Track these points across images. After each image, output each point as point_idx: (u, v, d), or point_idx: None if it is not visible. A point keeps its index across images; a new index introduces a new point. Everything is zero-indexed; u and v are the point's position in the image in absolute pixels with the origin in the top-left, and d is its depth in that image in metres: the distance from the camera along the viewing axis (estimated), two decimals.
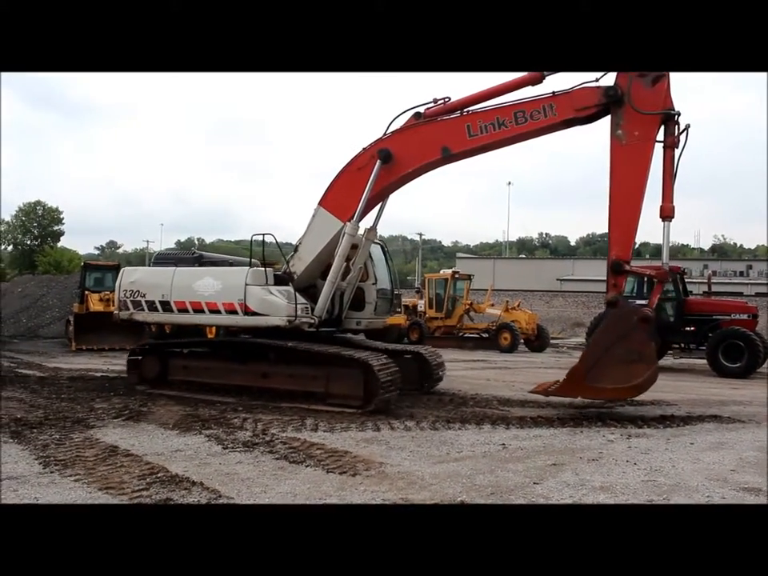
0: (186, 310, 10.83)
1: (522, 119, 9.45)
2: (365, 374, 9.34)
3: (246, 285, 10.30)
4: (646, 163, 8.87)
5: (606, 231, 9.18)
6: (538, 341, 25.20)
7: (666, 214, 8.98)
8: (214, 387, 10.66)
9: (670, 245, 9.50)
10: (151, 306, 11.20)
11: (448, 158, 10.08)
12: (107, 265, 24.67)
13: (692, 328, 17.51)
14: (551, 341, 27.31)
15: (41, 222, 77.42)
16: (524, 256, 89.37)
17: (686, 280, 19.01)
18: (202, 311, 10.66)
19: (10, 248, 78.62)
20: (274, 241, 10.81)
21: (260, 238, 10.51)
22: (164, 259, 12.48)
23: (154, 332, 18.41)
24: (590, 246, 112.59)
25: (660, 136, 9.11)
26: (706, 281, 21.00)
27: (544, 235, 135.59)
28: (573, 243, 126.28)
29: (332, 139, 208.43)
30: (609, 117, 9.14)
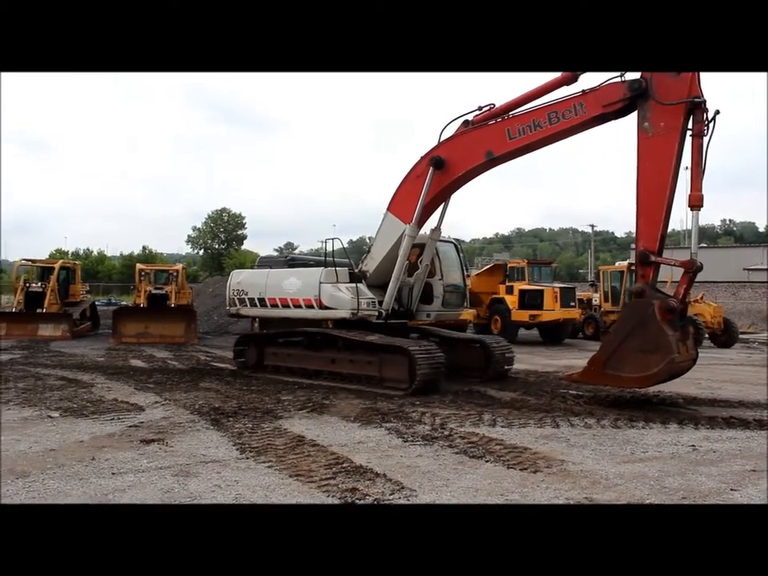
0: (276, 306, 12.76)
1: (556, 119, 9.89)
2: (409, 359, 10.38)
3: (320, 283, 11.93)
4: (672, 154, 8.82)
5: None
6: (724, 335, 23.49)
7: (694, 203, 8.91)
8: (295, 370, 12.45)
9: None
10: (252, 303, 13.25)
11: (492, 160, 10.83)
12: None
13: None
14: (740, 335, 25.34)
15: (226, 227, 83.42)
16: (705, 245, 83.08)
17: None
18: (288, 306, 12.50)
19: (201, 252, 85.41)
20: (341, 244, 12.61)
21: (330, 242, 12.29)
22: (264, 263, 15.09)
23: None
24: None
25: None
26: None
27: (727, 221, 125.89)
28: (761, 229, 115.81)
29: None
30: None
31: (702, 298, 24.73)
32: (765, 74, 7.72)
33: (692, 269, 8.88)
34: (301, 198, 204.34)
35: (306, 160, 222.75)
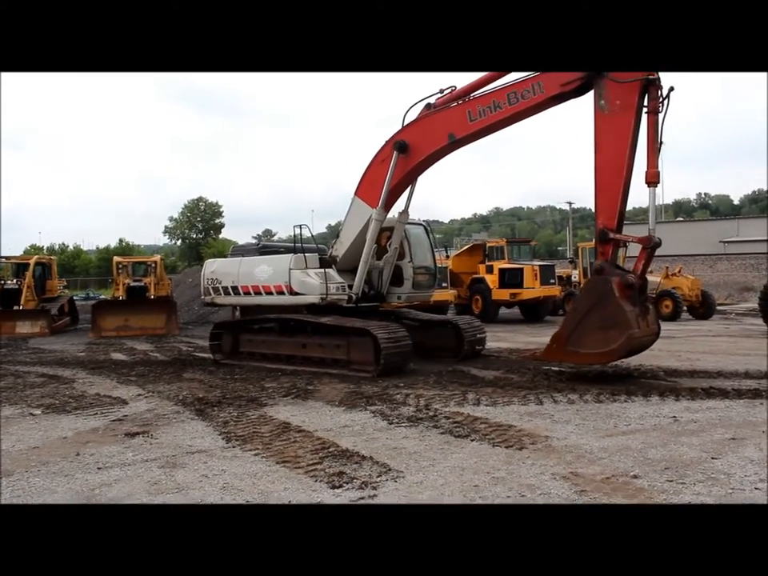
0: (249, 293, 12.94)
1: (515, 99, 10.01)
2: (374, 342, 10.52)
3: (290, 269, 12.03)
4: (628, 131, 8.95)
5: None
6: (702, 308, 23.78)
7: (651, 179, 9.01)
8: (269, 356, 12.47)
9: None
10: (226, 291, 13.44)
11: (455, 143, 10.94)
12: None
13: None
14: (718, 307, 25.66)
15: (203, 216, 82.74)
16: (681, 219, 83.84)
17: None
18: (260, 293, 12.66)
19: (179, 242, 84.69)
20: (309, 232, 12.72)
21: (298, 228, 12.24)
22: (237, 251, 15.28)
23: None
24: (757, 204, 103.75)
25: None
26: None
27: (703, 195, 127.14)
28: (736, 202, 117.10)
29: None
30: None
31: (679, 272, 24.98)
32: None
33: (650, 245, 9.00)
34: (283, 186, 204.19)
35: (290, 149, 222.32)
